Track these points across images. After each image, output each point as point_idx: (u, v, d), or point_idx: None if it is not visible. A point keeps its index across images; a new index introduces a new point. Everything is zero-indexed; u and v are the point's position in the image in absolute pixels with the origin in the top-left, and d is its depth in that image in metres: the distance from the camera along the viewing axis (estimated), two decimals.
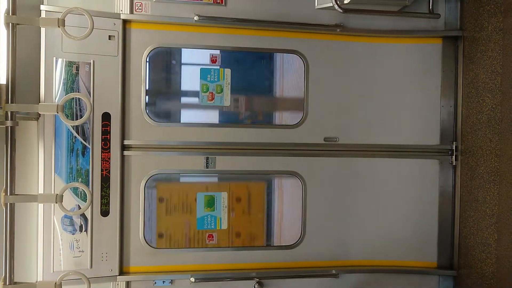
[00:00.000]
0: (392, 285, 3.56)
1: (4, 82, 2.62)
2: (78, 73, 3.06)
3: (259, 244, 3.54)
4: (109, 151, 3.16)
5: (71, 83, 3.05)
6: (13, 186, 2.67)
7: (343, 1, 3.20)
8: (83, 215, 3.09)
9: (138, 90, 3.26)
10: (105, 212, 3.16)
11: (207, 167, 3.37)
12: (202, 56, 3.41)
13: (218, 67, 3.40)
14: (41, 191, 3.01)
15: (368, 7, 3.31)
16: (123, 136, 3.22)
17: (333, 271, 3.48)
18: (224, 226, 3.44)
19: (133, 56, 3.24)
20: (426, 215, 3.61)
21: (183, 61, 3.45)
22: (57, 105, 2.69)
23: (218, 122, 3.48)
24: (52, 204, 2.99)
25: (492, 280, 3.14)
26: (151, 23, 3.26)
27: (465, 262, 3.45)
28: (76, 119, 3.03)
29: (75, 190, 3.06)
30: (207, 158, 3.37)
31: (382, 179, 3.59)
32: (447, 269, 3.59)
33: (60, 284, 2.73)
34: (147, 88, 3.28)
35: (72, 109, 3.04)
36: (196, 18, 3.23)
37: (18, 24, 2.65)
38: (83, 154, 3.09)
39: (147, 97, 3.28)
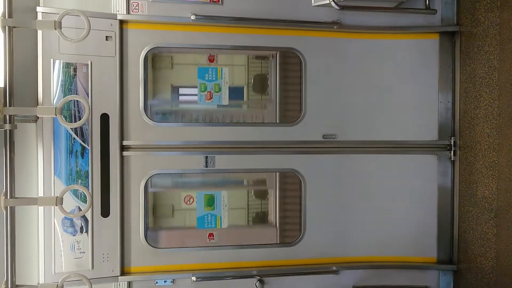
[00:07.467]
0: (393, 280, 3.57)
1: (1, 85, 2.62)
2: (75, 74, 3.05)
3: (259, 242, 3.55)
4: (109, 152, 3.16)
5: (69, 85, 3.04)
6: (13, 189, 2.67)
7: None
8: (84, 217, 3.09)
9: (136, 90, 3.26)
10: (105, 213, 3.17)
11: (206, 166, 3.37)
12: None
13: (216, 66, 3.40)
14: (41, 193, 3.02)
15: (365, 3, 3.31)
16: (122, 137, 3.22)
17: (334, 268, 3.49)
18: (225, 224, 3.45)
19: (131, 57, 3.24)
20: (425, 211, 3.62)
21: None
22: (56, 107, 2.68)
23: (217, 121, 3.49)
24: (52, 206, 3.00)
25: (491, 274, 3.16)
26: (148, 23, 3.25)
27: (465, 257, 3.46)
28: (75, 120, 3.03)
29: (75, 192, 3.05)
30: (206, 157, 3.37)
31: (381, 175, 3.59)
32: (447, 264, 3.61)
33: (62, 286, 2.74)
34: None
35: (71, 110, 3.04)
36: (193, 17, 3.22)
37: (14, 27, 2.64)
38: (82, 156, 3.09)
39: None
